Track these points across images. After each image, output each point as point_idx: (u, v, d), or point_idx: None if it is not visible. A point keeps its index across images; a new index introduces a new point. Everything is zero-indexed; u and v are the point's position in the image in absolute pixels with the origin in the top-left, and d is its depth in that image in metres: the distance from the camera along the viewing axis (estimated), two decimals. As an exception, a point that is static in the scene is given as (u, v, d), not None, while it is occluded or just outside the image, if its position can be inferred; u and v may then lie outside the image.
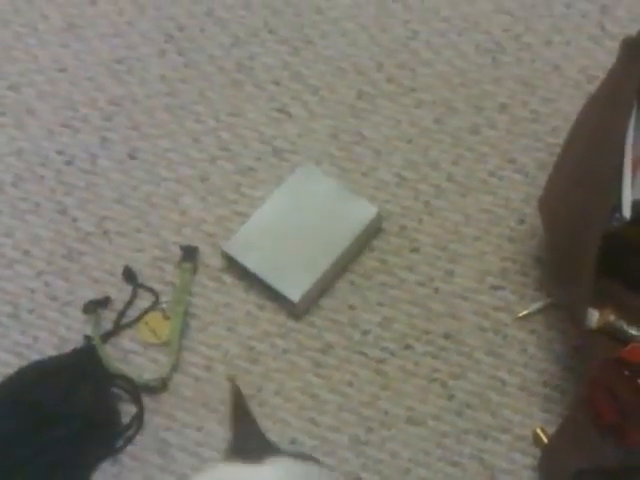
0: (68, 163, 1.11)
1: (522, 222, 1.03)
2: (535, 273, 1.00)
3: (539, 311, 0.98)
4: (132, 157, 1.11)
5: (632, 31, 0.88)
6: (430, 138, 1.10)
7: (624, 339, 0.89)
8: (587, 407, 0.84)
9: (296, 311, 0.99)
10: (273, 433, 0.92)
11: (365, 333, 0.98)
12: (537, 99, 1.12)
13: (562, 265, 0.91)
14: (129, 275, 1.03)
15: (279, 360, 0.97)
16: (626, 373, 0.81)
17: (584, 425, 0.84)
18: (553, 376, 0.94)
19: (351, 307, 0.99)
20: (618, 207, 0.88)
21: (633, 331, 0.89)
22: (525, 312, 0.98)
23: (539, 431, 0.90)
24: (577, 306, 0.87)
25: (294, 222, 1.01)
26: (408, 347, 0.97)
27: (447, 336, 0.97)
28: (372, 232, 1.03)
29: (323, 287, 1.00)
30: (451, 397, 0.94)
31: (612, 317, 0.90)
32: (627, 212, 0.88)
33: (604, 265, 0.86)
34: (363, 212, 1.02)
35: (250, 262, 1.00)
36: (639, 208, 0.89)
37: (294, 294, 0.97)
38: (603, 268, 0.86)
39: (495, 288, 1.00)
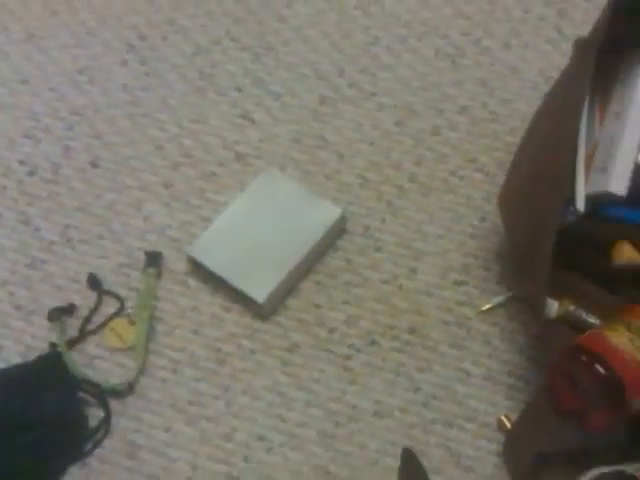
0: (30, 173, 1.18)
1: (483, 220, 1.12)
2: (497, 268, 1.08)
3: (501, 304, 1.06)
4: (95, 166, 1.18)
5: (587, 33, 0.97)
6: (392, 140, 1.18)
7: (583, 327, 0.97)
8: (548, 394, 0.92)
9: (262, 312, 1.06)
10: (241, 430, 0.99)
11: (331, 331, 1.05)
12: (496, 100, 1.21)
13: (521, 259, 0.99)
14: (93, 282, 1.09)
15: (246, 360, 1.04)
16: (584, 359, 0.89)
17: (545, 411, 0.92)
18: (516, 366, 1.02)
19: (317, 306, 1.07)
20: (573, 201, 0.97)
21: (592, 319, 0.98)
22: (488, 306, 1.06)
23: (503, 418, 0.98)
24: (536, 297, 0.95)
25: (258, 225, 1.09)
26: (374, 343, 1.04)
27: (412, 331, 1.05)
28: (336, 233, 1.11)
29: (288, 287, 1.07)
30: (417, 390, 1.01)
31: (571, 307, 0.98)
32: (581, 205, 0.96)
33: (561, 257, 0.94)
34: (327, 213, 1.10)
35: (215, 265, 1.07)
36: (593, 202, 0.98)
37: (260, 295, 1.05)
38: (561, 260, 0.94)
39: (458, 283, 1.08)
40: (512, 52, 1.25)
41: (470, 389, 1.01)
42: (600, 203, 0.96)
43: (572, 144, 0.97)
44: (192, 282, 1.09)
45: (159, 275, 1.09)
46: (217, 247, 1.08)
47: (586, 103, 0.98)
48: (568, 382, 0.90)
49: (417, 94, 1.22)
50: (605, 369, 0.86)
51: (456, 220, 1.12)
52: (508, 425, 0.97)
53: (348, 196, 1.14)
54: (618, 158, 0.94)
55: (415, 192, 1.14)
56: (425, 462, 0.95)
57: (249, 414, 1.00)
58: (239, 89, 1.23)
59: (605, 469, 0.88)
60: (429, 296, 1.07)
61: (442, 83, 1.23)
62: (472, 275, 1.08)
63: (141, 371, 1.03)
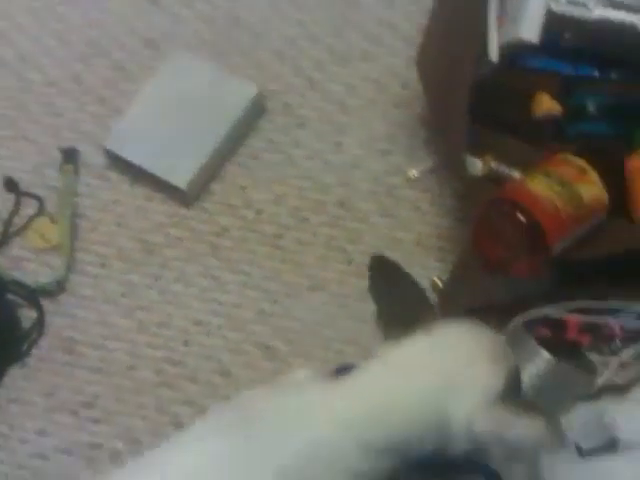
0: None
1: (406, 86, 1.21)
2: (423, 134, 1.18)
3: (430, 171, 1.16)
4: (-3, 65, 1.24)
5: None
6: (306, 13, 1.25)
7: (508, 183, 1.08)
8: (474, 249, 1.02)
9: (186, 199, 1.14)
10: (177, 317, 1.09)
11: (259, 212, 1.15)
12: (412, -37, 1.28)
13: (440, 120, 1.09)
14: (10, 184, 1.16)
15: (175, 248, 1.13)
16: (505, 209, 0.99)
17: (473, 267, 1.03)
18: (446, 229, 1.12)
19: (242, 188, 1.16)
20: (487, 53, 1.06)
21: (515, 173, 1.08)
22: (415, 173, 1.16)
23: (436, 279, 1.08)
24: (457, 156, 1.05)
25: (173, 110, 1.16)
26: (304, 220, 1.14)
27: (341, 204, 1.14)
28: (256, 112, 1.19)
29: (211, 172, 1.16)
30: (350, 261, 1.11)
31: (493, 163, 1.08)
32: (494, 56, 1.05)
33: (480, 114, 1.04)
34: (243, 92, 1.17)
35: (133, 156, 1.15)
36: (508, 52, 1.06)
37: (182, 181, 1.13)
38: (480, 117, 1.04)
39: (384, 153, 1.17)
40: None
41: (402, 255, 1.11)
42: (515, 53, 1.05)
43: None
44: (111, 175, 1.17)
45: (77, 171, 1.17)
46: (133, 137, 1.15)
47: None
48: (492, 234, 1.00)
49: (329, -37, 1.28)
50: (525, 216, 0.96)
51: (378, 89, 1.21)
52: (441, 286, 1.08)
53: (266, 75, 1.22)
54: (529, 5, 1.03)
55: (334, 64, 1.22)
56: (365, 327, 1.06)
57: (184, 300, 1.10)
58: (142, -28, 1.28)
59: (531, 313, 0.99)
60: (356, 168, 1.16)
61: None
62: (398, 144, 1.17)
63: (69, 268, 1.11)
